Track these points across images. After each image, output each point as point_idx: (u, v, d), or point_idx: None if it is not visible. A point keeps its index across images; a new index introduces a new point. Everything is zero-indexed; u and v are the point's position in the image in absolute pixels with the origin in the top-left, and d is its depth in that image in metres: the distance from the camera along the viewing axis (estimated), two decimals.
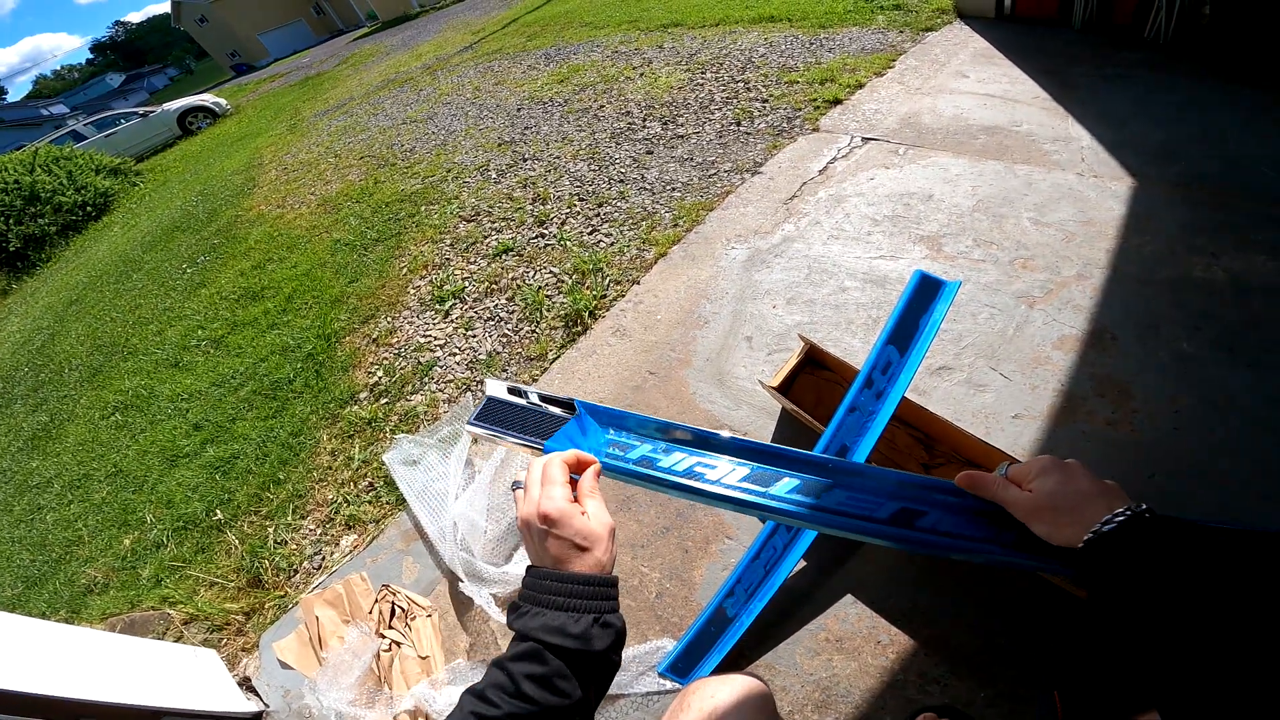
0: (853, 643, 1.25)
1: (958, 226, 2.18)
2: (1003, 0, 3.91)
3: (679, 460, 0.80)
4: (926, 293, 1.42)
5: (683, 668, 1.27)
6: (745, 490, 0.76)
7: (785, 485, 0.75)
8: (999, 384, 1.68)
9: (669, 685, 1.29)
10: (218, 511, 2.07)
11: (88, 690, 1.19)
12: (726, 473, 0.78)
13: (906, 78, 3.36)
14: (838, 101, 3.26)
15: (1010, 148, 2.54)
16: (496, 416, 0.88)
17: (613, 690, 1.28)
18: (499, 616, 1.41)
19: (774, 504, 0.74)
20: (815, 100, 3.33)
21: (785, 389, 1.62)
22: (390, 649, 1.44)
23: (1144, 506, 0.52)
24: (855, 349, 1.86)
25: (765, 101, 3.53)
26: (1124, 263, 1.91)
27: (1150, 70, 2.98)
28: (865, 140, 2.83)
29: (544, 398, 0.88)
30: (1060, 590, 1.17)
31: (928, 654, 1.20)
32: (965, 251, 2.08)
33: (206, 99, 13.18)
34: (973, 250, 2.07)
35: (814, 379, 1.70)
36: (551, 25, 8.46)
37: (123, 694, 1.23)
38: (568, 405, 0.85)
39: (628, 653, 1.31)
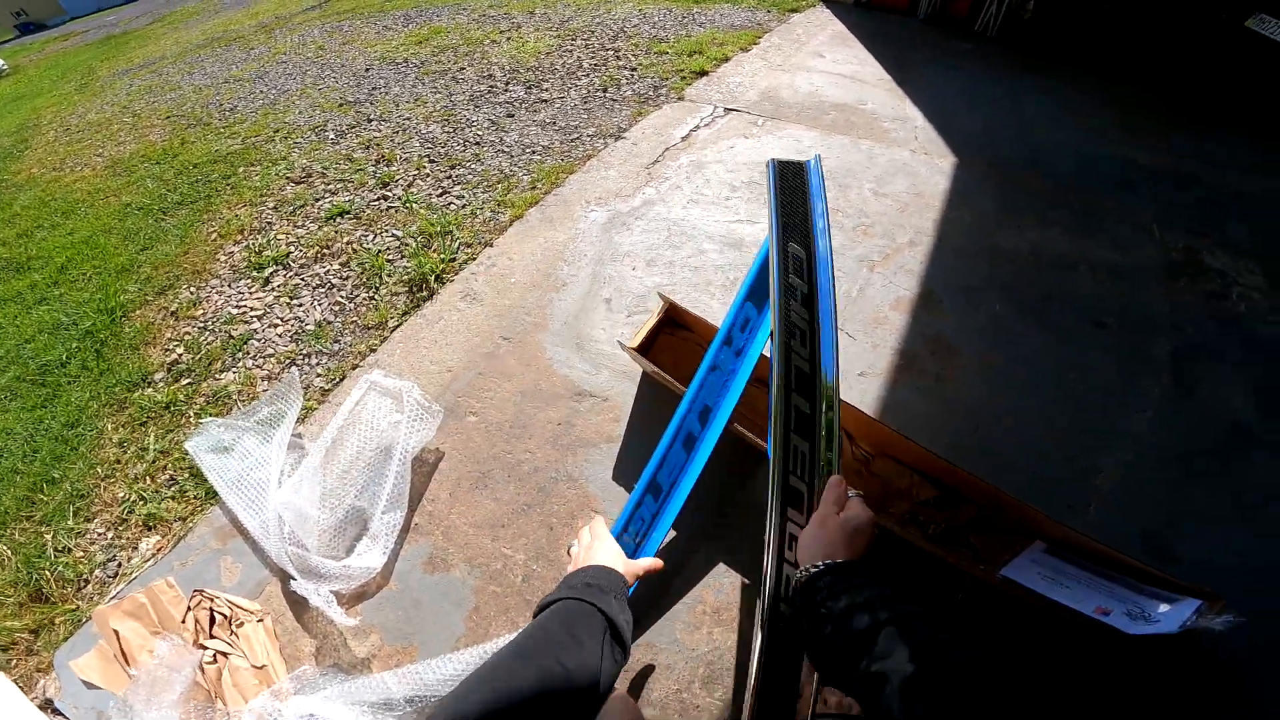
0: (730, 614, 1.21)
1: None
2: None
3: None
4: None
5: None
6: None
7: None
8: (845, 343, 1.72)
9: None
10: None
11: None
12: None
13: (769, 54, 3.43)
14: (704, 73, 3.24)
15: (856, 124, 2.66)
16: None
17: None
18: (341, 619, 1.21)
19: None
20: (682, 71, 3.29)
21: (645, 350, 1.54)
22: (215, 660, 1.22)
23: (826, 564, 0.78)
24: (714, 310, 1.82)
25: (634, 70, 3.43)
26: (947, 232, 2.05)
27: (976, 60, 3.29)
28: (727, 111, 2.83)
29: None
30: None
31: None
32: None
33: None
34: None
35: (673, 339, 1.63)
36: None
37: None
38: None
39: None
